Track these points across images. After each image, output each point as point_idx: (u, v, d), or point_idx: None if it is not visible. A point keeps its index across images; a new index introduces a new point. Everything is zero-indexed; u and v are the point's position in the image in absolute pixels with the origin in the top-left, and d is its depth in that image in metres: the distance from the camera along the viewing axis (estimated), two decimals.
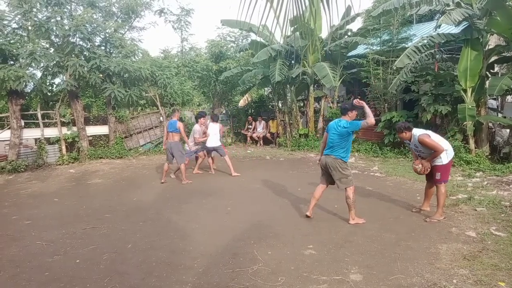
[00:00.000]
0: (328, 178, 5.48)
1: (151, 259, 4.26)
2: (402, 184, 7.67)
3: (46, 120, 11.71)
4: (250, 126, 15.96)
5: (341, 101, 15.25)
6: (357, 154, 11.57)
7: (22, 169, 10.45)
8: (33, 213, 6.37)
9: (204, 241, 4.79)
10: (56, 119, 11.70)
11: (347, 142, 5.28)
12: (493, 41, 10.70)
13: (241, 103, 16.15)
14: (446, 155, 5.29)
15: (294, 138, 14.02)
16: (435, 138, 5.30)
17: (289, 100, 14.96)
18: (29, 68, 10.55)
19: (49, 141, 11.72)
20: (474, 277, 3.57)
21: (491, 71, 10.23)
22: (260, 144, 15.38)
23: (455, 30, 9.93)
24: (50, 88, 11.96)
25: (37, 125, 11.50)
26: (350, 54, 13.48)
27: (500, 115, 11.21)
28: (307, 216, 5.56)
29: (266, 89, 17.50)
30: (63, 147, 11.76)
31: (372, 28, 12.16)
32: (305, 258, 4.16)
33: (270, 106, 16.90)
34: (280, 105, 15.52)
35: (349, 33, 13.68)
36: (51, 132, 11.75)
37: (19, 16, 10.36)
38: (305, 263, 4.03)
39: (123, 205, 6.75)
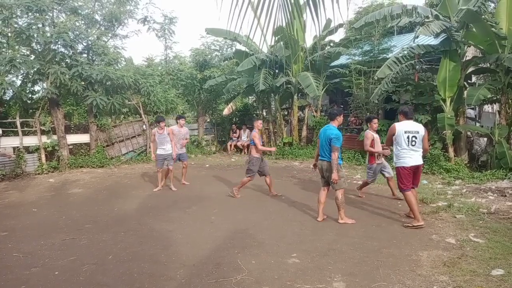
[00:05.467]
0: (326, 180, 5.79)
1: (133, 270, 4.19)
2: (384, 192, 7.78)
3: (26, 128, 11.43)
4: (235, 134, 15.99)
5: (325, 110, 15.47)
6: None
7: None
8: (10, 224, 6.17)
9: (187, 251, 4.74)
10: (35, 127, 11.44)
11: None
12: (470, 52, 11.06)
13: (226, 111, 16.18)
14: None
15: (278, 147, 14.08)
16: (396, 137, 5.52)
17: (274, 108, 15.06)
18: (8, 75, 10.32)
19: (28, 149, 11.43)
20: (453, 283, 3.64)
21: (469, 81, 10.56)
22: (245, 153, 15.37)
23: (434, 41, 10.22)
24: (30, 95, 11.72)
25: (15, 134, 11.21)
26: (333, 64, 13.70)
27: (478, 124, 11.54)
28: (322, 221, 5.84)
29: (250, 97, 17.58)
30: (43, 156, 11.49)
31: (354, 39, 12.40)
32: (289, 267, 4.16)
33: (254, 115, 16.96)
34: (264, 113, 15.60)
35: (331, 44, 13.93)
36: (30, 141, 11.48)
37: None
38: (288, 272, 4.02)
39: (104, 215, 6.63)
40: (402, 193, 5.55)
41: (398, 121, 5.78)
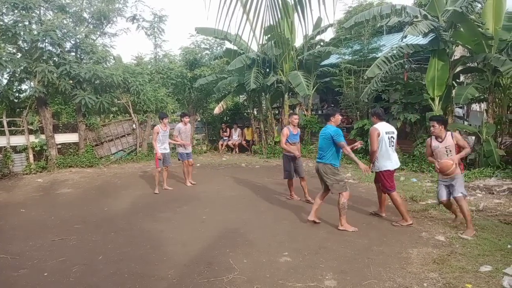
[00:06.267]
0: (324, 183, 5.52)
1: (123, 270, 4.15)
2: (374, 190, 7.73)
3: (13, 128, 11.25)
4: (225, 133, 15.97)
5: (315, 109, 15.51)
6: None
7: None
8: None
9: (178, 251, 4.72)
10: (23, 126, 11.26)
11: (334, 147, 5.32)
12: (458, 52, 11.19)
13: (216, 110, 16.13)
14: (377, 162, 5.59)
15: (269, 146, 14.10)
16: (380, 140, 5.48)
17: (264, 107, 15.06)
18: None
19: (15, 149, 11.25)
20: (443, 280, 3.68)
21: (457, 80, 10.68)
22: (236, 152, 15.38)
23: (423, 41, 10.33)
24: (17, 94, 11.52)
25: (2, 133, 11.02)
26: (323, 63, 13.75)
27: (466, 123, 11.68)
28: (311, 221, 5.59)
29: (241, 96, 17.55)
30: (31, 156, 11.32)
31: (344, 38, 12.46)
32: (281, 266, 4.16)
33: (245, 114, 16.94)
34: (255, 112, 15.59)
35: (321, 43, 13.97)
36: (17, 140, 11.30)
37: None
38: (280, 271, 4.03)
39: (94, 215, 6.55)
40: (388, 194, 5.57)
41: (376, 118, 5.78)
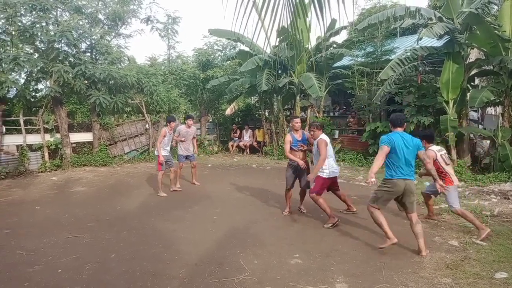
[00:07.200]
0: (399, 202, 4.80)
1: (135, 268, 4.20)
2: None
3: (29, 127, 11.46)
4: (236, 134, 16.02)
5: (327, 111, 15.43)
6: (342, 164, 11.68)
7: (2, 176, 10.18)
8: (13, 222, 6.19)
9: (189, 250, 4.75)
10: (39, 125, 11.47)
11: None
12: (473, 54, 11.03)
13: (228, 111, 16.19)
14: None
15: (280, 147, 14.07)
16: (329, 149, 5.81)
17: (276, 109, 15.06)
18: (12, 73, 10.34)
19: (31, 148, 11.46)
20: (456, 286, 3.63)
21: (472, 83, 10.52)
22: (247, 153, 15.41)
23: (437, 43, 10.20)
24: (34, 94, 11.74)
25: (19, 132, 11.24)
26: (335, 65, 13.69)
27: (480, 126, 11.51)
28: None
29: (253, 98, 17.58)
30: (46, 154, 11.52)
31: (357, 40, 12.40)
32: (291, 267, 4.16)
33: (257, 115, 16.97)
34: (267, 114, 15.60)
35: (334, 45, 13.92)
36: (33, 139, 11.50)
37: (2, 21, 10.21)
38: (291, 272, 4.03)
39: (107, 213, 6.64)
40: (314, 197, 5.74)
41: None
